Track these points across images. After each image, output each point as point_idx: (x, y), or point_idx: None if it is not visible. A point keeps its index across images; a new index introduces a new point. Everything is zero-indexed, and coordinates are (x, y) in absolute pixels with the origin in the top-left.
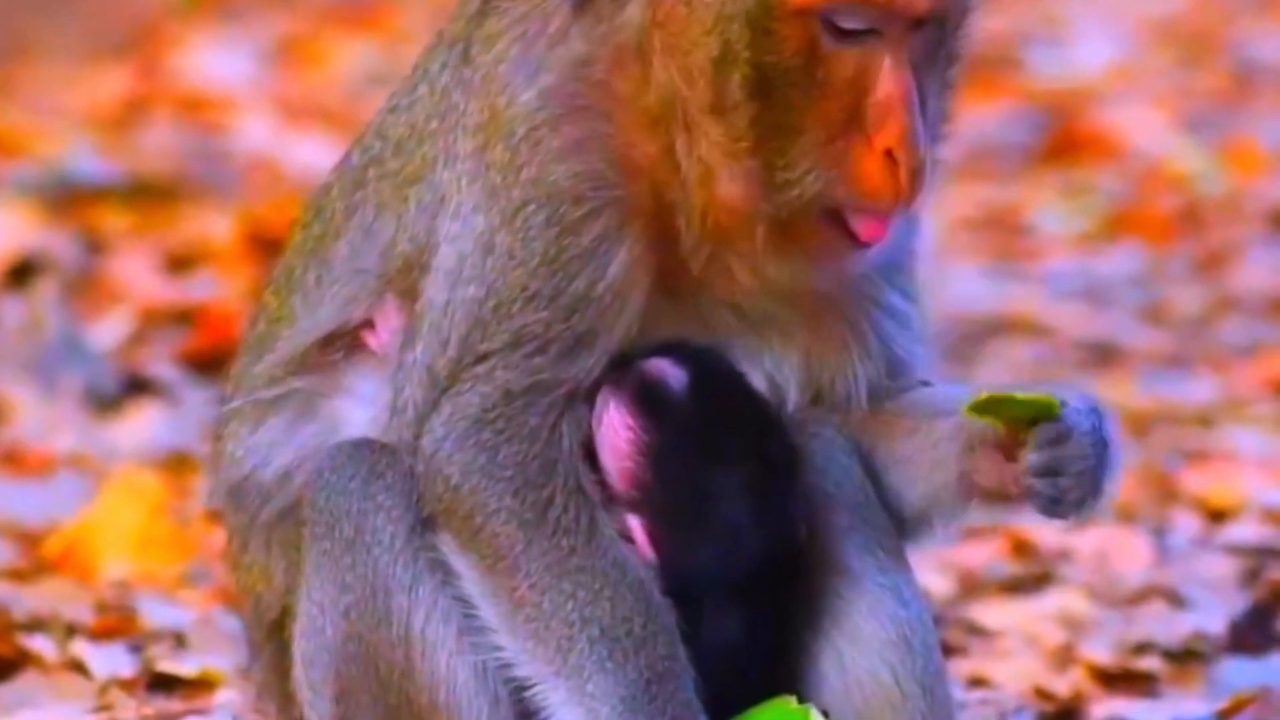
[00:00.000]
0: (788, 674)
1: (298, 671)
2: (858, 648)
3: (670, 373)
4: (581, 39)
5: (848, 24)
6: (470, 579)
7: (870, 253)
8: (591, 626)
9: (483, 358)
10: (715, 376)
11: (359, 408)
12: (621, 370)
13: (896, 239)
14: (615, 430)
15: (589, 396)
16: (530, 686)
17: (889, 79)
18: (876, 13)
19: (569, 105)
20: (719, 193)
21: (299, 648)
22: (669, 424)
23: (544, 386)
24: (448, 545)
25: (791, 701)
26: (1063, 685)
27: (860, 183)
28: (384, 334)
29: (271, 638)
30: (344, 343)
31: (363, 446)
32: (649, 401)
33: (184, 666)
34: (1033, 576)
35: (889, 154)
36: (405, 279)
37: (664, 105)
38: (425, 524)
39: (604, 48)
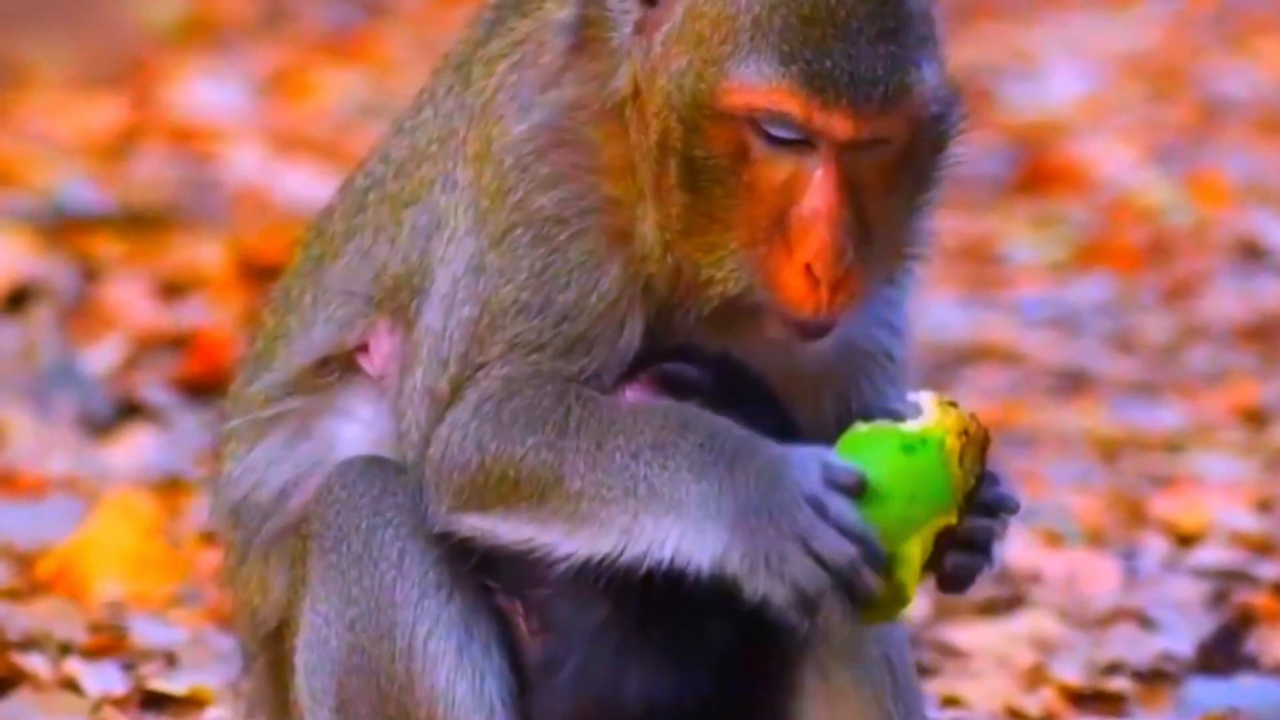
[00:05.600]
0: (770, 684)
1: (299, 681)
2: (841, 662)
3: (689, 370)
4: (573, 85)
5: (777, 132)
6: (530, 525)
7: (815, 345)
8: (643, 453)
9: (480, 368)
10: (736, 377)
11: (355, 427)
12: (634, 370)
13: (884, 278)
14: None
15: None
16: (643, 557)
17: (816, 193)
18: (804, 130)
19: (557, 139)
20: (667, 262)
21: (301, 658)
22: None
23: (544, 375)
24: (484, 522)
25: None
26: (1034, 705)
27: (780, 290)
28: (377, 358)
29: (266, 649)
30: (339, 365)
31: (374, 464)
32: (669, 389)
33: (175, 685)
34: (1005, 599)
35: (808, 267)
36: (394, 300)
37: (631, 169)
38: (442, 539)
39: (593, 98)
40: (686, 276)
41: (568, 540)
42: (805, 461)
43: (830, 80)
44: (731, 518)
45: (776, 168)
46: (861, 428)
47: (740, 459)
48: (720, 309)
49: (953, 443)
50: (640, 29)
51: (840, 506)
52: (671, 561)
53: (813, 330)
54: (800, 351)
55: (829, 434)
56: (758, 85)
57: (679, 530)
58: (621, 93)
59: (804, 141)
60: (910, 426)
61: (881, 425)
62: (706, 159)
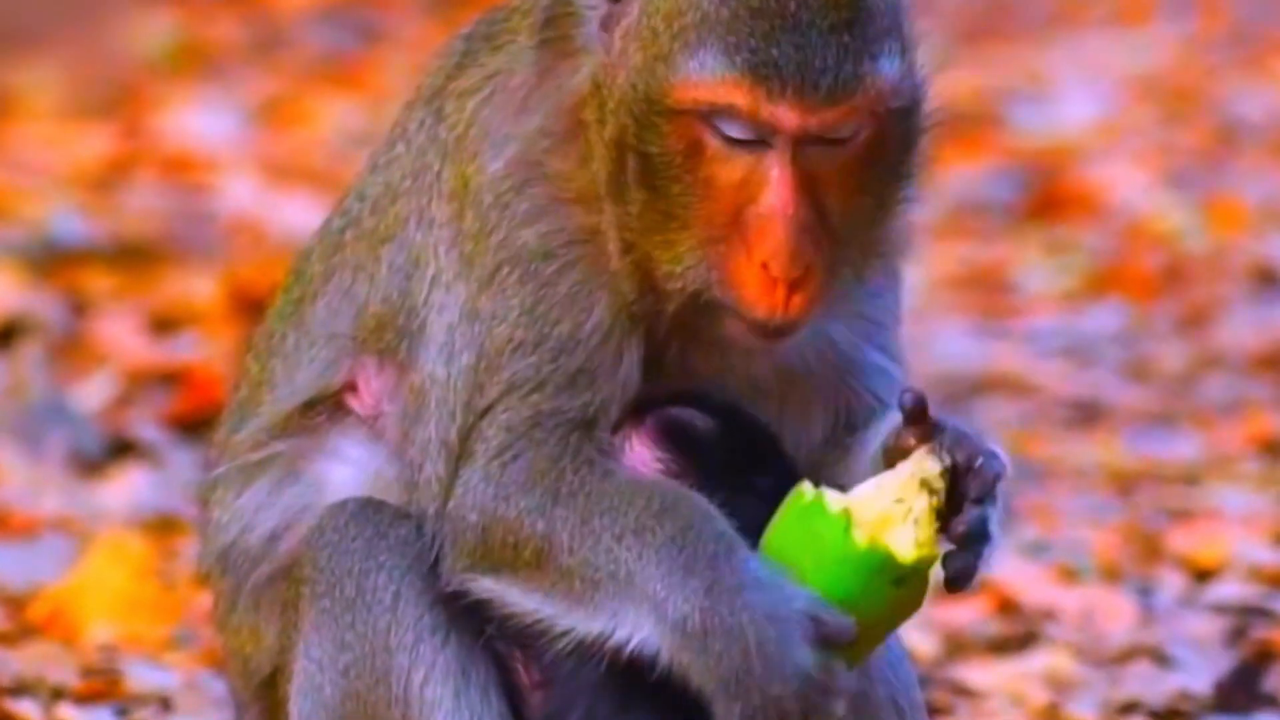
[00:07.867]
0: None
1: None
2: (848, 706)
3: (696, 415)
4: (539, 108)
5: (728, 129)
6: (528, 594)
7: (778, 349)
8: (626, 537)
9: (484, 413)
10: (740, 420)
11: (344, 469)
12: (640, 414)
13: (872, 298)
14: (644, 463)
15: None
16: (628, 642)
17: (771, 191)
18: (753, 124)
19: (534, 173)
20: (636, 272)
21: (295, 705)
22: (697, 456)
23: (545, 416)
24: (497, 585)
25: (805, 489)
26: None
27: (738, 289)
28: (368, 397)
29: (259, 697)
30: (326, 406)
31: (366, 506)
32: (675, 437)
33: None
34: (1018, 636)
35: (765, 267)
36: (380, 340)
37: (595, 179)
38: (452, 595)
39: (558, 118)
40: (647, 275)
41: (567, 616)
42: (796, 613)
43: (775, 70)
44: (703, 638)
45: (732, 166)
46: (812, 495)
47: (720, 576)
48: (689, 314)
49: (926, 536)
50: (605, 25)
51: (831, 680)
52: (651, 656)
53: (772, 331)
54: (764, 354)
55: (816, 454)
56: (704, 79)
57: (653, 627)
58: (582, 91)
59: (759, 140)
60: (897, 541)
61: (845, 507)
62: (661, 156)
